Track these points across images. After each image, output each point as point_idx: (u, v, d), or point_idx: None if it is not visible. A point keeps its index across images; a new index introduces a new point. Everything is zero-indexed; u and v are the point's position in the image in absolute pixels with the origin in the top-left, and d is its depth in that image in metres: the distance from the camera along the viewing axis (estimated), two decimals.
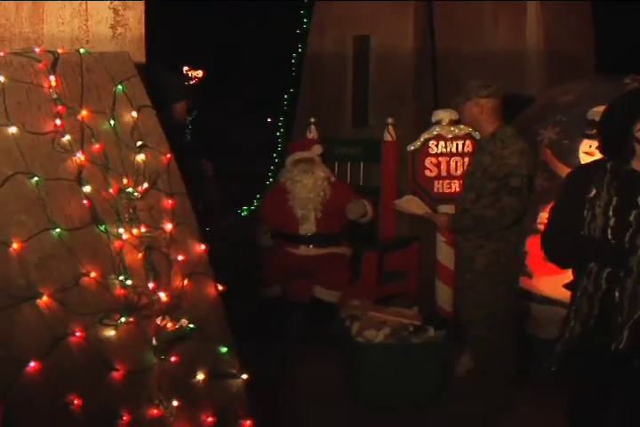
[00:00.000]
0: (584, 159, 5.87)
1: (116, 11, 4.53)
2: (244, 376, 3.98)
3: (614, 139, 3.87)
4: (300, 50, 9.25)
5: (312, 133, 7.82)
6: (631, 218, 3.73)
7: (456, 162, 6.80)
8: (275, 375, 5.62)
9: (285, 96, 9.63)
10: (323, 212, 7.15)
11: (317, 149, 7.30)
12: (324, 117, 8.03)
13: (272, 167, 9.59)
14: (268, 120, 10.17)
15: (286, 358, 6.27)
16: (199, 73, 10.81)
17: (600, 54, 8.13)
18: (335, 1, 8.34)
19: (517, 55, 7.78)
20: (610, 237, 3.76)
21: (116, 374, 3.68)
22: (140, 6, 4.60)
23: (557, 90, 6.76)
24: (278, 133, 9.76)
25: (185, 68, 10.63)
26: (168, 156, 4.05)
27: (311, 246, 7.20)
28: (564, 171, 5.82)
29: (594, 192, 3.81)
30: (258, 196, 9.05)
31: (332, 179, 7.28)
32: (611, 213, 3.77)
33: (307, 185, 7.10)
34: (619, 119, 3.86)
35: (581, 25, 8.05)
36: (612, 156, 3.89)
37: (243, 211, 9.37)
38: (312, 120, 7.84)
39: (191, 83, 10.50)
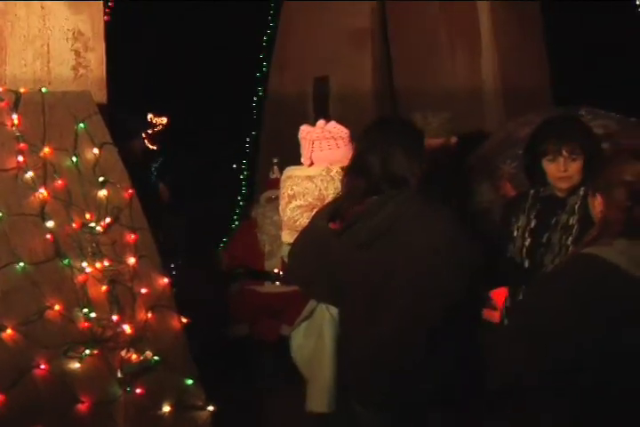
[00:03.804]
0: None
1: (77, 53, 4.62)
2: (211, 408, 4.01)
3: (528, 166, 4.05)
4: (260, 93, 9.38)
5: (275, 174, 7.84)
6: (544, 239, 3.86)
7: None
8: (244, 414, 5.61)
9: (247, 139, 9.73)
10: None
11: None
12: (287, 157, 8.09)
13: (237, 211, 9.63)
14: (234, 166, 10.18)
15: (256, 397, 6.26)
16: (163, 120, 10.84)
17: (556, 87, 8.27)
18: (293, 41, 8.49)
19: (475, 92, 7.90)
20: (524, 256, 3.93)
21: (81, 406, 3.72)
22: (102, 48, 4.70)
23: (514, 123, 6.84)
24: (242, 176, 9.83)
25: (149, 116, 10.65)
26: (130, 191, 4.12)
27: (277, 283, 7.21)
28: None
29: (519, 218, 3.99)
30: (224, 239, 9.06)
31: None
32: (527, 234, 3.93)
33: (277, 222, 7.12)
34: (529, 148, 4.05)
35: (537, 59, 8.18)
36: (533, 182, 4.05)
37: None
38: (275, 160, 7.89)
39: (155, 130, 10.51)
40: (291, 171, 4.31)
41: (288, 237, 4.14)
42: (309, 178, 4.20)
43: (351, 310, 3.63)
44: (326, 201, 4.09)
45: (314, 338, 4.25)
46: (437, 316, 3.51)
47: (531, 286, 3.58)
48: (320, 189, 4.17)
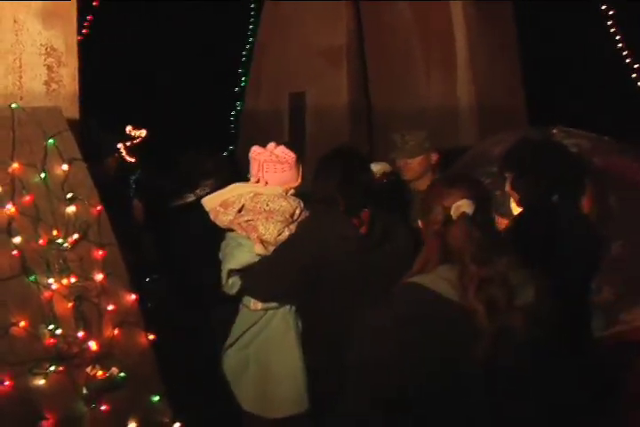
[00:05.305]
0: (516, 210, 6.00)
1: (49, 67, 4.62)
2: (177, 425, 3.99)
3: None
4: (238, 107, 9.42)
5: None
6: None
7: None
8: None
9: (225, 153, 9.76)
10: None
11: None
12: None
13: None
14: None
15: (224, 413, 6.21)
16: (142, 132, 10.82)
17: (530, 105, 8.34)
18: (269, 58, 8.54)
19: (450, 110, 7.96)
20: None
21: (45, 423, 3.68)
22: (74, 64, 4.71)
23: (488, 141, 6.87)
24: None
25: (128, 128, 10.64)
26: (98, 207, 4.13)
27: None
28: (498, 222, 5.92)
29: None
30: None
31: None
32: None
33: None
34: None
35: (512, 79, 8.25)
36: None
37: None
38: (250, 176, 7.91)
39: (134, 142, 10.50)
40: (253, 187, 4.43)
41: (262, 249, 4.27)
42: (282, 196, 4.36)
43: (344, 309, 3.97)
44: (294, 219, 4.36)
45: (252, 348, 4.38)
46: None
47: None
48: (293, 208, 4.34)
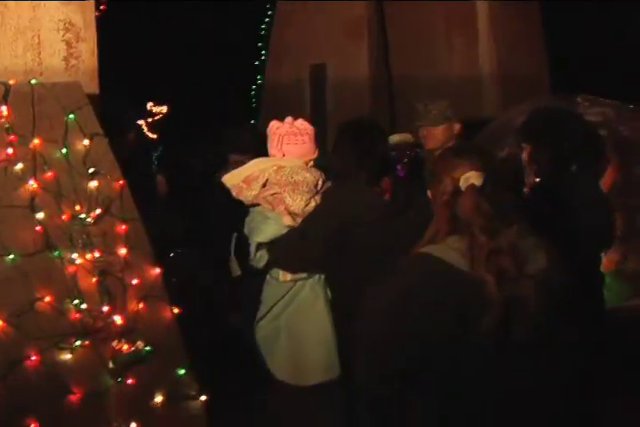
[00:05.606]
0: None
1: (68, 43, 4.61)
2: (203, 398, 4.01)
3: None
4: (259, 81, 9.38)
5: None
6: None
7: None
8: (238, 404, 5.60)
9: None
10: None
11: None
12: None
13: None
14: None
15: (250, 386, 6.24)
16: (163, 109, 10.83)
17: (554, 75, 8.28)
18: (290, 30, 8.52)
19: (472, 79, 7.91)
20: None
21: (72, 398, 3.71)
22: (93, 39, 4.69)
23: (512, 111, 6.87)
24: None
25: (149, 104, 10.64)
26: (121, 182, 4.12)
27: None
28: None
29: None
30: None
31: None
32: None
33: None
34: None
35: (534, 47, 8.20)
36: None
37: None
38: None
39: (155, 118, 10.50)
40: (275, 161, 4.46)
41: (290, 221, 4.34)
42: (304, 168, 4.42)
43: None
44: (318, 190, 4.43)
45: (283, 319, 4.44)
46: None
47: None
48: (317, 179, 4.41)
